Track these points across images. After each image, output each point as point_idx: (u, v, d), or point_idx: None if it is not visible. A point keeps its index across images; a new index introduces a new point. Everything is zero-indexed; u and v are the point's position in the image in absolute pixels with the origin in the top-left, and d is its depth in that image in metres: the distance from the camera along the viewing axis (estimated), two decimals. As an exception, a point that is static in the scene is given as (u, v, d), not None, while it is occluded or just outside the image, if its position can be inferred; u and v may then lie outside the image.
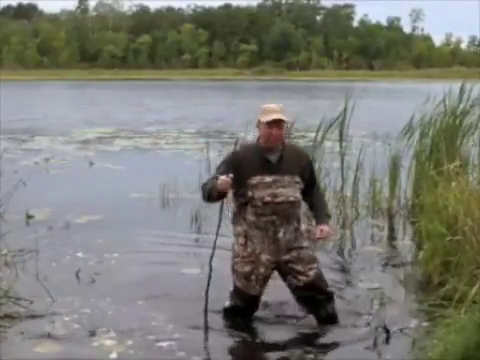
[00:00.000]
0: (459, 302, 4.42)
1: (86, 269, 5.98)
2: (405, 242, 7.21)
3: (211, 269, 4.76)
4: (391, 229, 7.99)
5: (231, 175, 4.31)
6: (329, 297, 4.68)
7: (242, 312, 4.74)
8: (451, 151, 8.28)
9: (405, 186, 8.94)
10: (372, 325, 4.67)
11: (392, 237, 7.58)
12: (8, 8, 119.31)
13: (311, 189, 4.68)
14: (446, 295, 4.80)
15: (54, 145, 15.83)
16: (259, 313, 4.84)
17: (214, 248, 4.73)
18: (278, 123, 4.46)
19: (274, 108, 4.51)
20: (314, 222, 4.79)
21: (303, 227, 4.74)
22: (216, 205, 4.79)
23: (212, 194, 4.43)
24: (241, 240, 4.57)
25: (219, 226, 4.71)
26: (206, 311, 4.81)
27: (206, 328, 4.74)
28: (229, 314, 4.79)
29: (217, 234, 4.71)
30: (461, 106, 8.62)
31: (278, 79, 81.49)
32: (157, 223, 8.00)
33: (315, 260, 4.66)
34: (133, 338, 4.55)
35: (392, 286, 5.59)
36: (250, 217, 4.53)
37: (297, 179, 4.54)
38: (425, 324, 4.71)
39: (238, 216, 4.61)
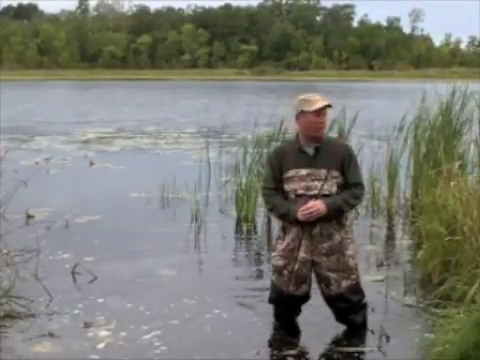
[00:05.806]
0: (458, 301, 4.42)
1: (86, 268, 5.98)
2: (404, 242, 7.21)
3: None
4: (390, 229, 8.00)
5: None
6: (359, 308, 4.56)
7: (278, 308, 4.66)
8: (449, 150, 8.30)
9: (404, 186, 8.96)
10: (371, 324, 4.67)
11: (391, 237, 7.59)
12: (8, 8, 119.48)
13: (347, 187, 4.37)
14: (445, 294, 4.81)
15: (54, 145, 15.84)
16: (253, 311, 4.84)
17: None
18: (325, 109, 4.38)
19: (317, 97, 4.41)
20: None
21: (352, 237, 4.58)
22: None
23: (285, 219, 4.43)
24: (280, 233, 4.53)
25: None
26: None
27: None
28: (275, 310, 4.70)
29: None
30: (458, 105, 8.64)
31: (278, 79, 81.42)
32: (156, 223, 8.01)
33: (354, 271, 4.47)
34: (127, 331, 4.63)
35: (391, 285, 5.58)
36: None
37: (335, 173, 4.33)
38: (424, 323, 4.72)
39: None
